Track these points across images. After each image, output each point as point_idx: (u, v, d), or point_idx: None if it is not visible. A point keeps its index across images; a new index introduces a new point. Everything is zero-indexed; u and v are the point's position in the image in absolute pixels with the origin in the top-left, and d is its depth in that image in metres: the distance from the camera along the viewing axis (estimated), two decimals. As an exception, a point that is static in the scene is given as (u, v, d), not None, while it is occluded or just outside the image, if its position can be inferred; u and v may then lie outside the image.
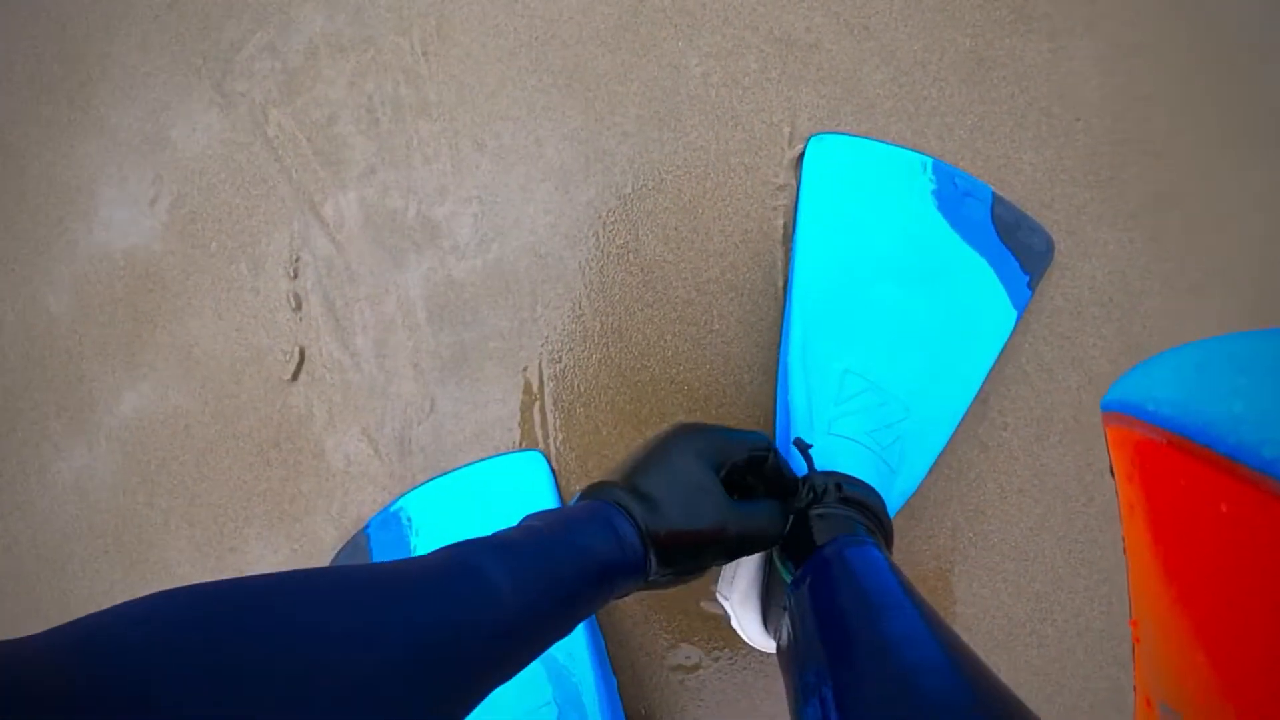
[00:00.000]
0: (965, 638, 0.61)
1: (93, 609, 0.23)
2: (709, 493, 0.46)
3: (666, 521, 0.44)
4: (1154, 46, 0.66)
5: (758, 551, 0.50)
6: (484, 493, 0.65)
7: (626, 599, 0.64)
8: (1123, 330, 0.65)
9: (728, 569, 0.60)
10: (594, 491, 0.46)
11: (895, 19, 0.64)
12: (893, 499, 0.58)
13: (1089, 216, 0.65)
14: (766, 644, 0.59)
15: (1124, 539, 0.30)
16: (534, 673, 0.62)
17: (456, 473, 0.66)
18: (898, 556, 0.66)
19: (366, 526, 0.65)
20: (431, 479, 0.65)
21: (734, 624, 0.61)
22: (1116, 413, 0.30)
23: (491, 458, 0.65)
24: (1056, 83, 0.65)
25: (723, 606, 0.61)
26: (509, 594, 0.35)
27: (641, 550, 0.43)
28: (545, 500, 0.64)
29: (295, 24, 0.66)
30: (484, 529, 0.59)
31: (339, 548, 0.65)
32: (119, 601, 0.25)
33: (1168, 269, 0.65)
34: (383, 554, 0.64)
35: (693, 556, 0.45)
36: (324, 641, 0.28)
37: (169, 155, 0.67)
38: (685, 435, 0.48)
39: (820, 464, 0.55)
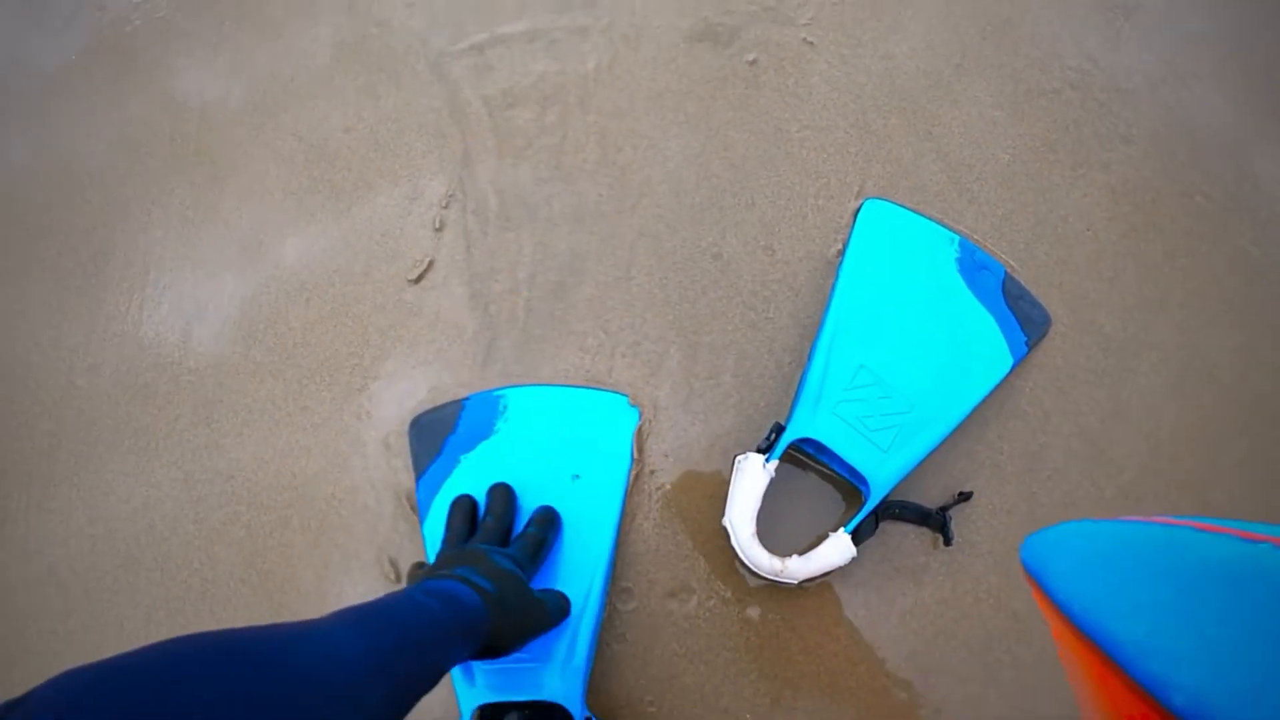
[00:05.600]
0: (942, 640, 0.86)
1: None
2: (530, 597, 0.76)
3: (507, 619, 0.69)
4: (1160, 190, 1.03)
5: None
6: (574, 415, 0.93)
7: (646, 525, 0.91)
8: (1113, 397, 0.95)
9: (730, 499, 0.86)
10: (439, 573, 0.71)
11: (953, 131, 1.04)
12: (885, 475, 0.86)
13: (1089, 303, 0.98)
14: (764, 562, 0.83)
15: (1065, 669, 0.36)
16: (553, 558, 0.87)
17: (558, 388, 0.94)
18: (889, 546, 0.91)
19: (467, 398, 0.93)
20: (535, 384, 0.95)
21: (734, 545, 0.86)
22: (1032, 580, 0.36)
23: (592, 389, 0.94)
24: (1075, 200, 1.02)
25: (728, 529, 0.86)
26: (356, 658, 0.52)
27: (486, 637, 0.66)
28: (622, 444, 0.92)
29: (503, 37, 1.10)
30: (561, 443, 0.89)
31: (425, 409, 0.94)
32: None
33: (1155, 357, 0.97)
34: (470, 424, 0.92)
35: (518, 639, 0.72)
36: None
37: (372, 107, 1.08)
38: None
39: (818, 436, 0.86)
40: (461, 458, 0.91)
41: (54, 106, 1.14)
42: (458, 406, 0.93)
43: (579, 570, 0.86)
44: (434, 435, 0.93)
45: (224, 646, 0.45)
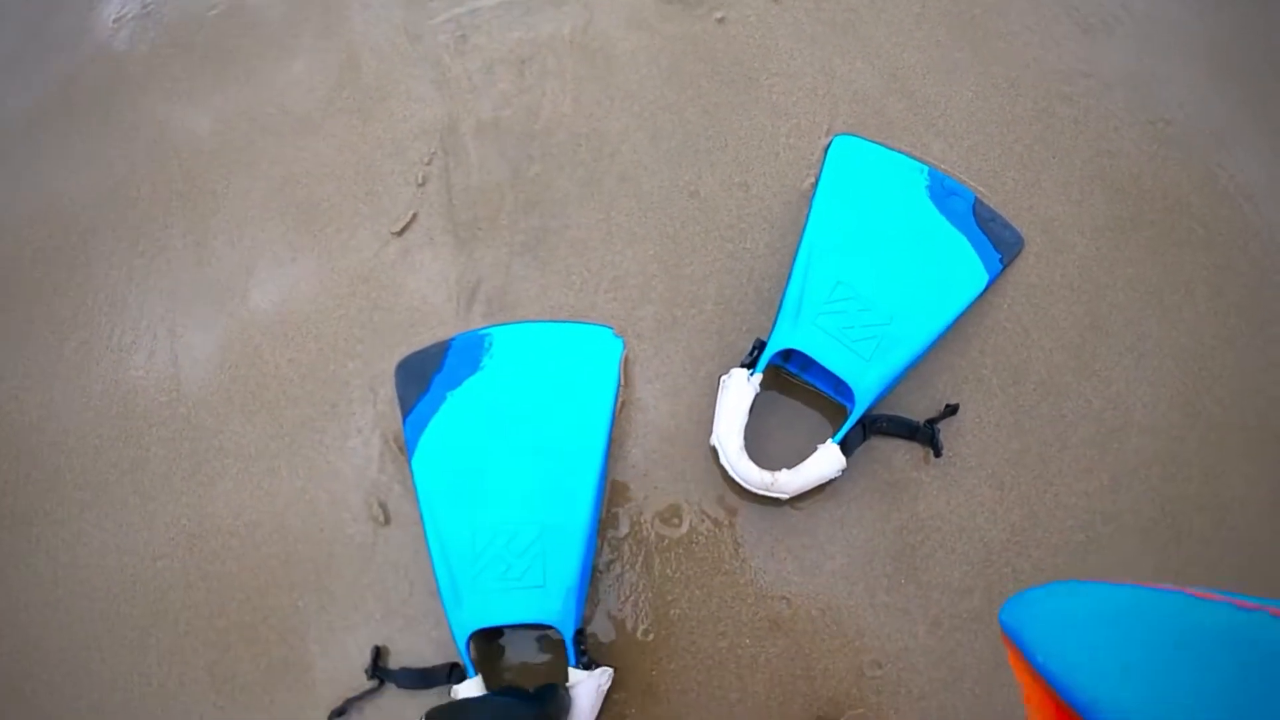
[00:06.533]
0: (940, 554, 0.87)
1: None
2: None
3: None
4: (1123, 119, 1.08)
5: None
6: (559, 348, 0.95)
7: (635, 452, 0.92)
8: (1090, 311, 0.97)
9: (717, 416, 0.88)
10: None
11: (917, 72, 1.09)
12: (869, 383, 0.87)
13: (1060, 224, 1.01)
14: (754, 476, 0.84)
15: None
16: (530, 492, 0.88)
17: (543, 323, 0.96)
18: (879, 464, 0.92)
19: (453, 338, 0.95)
20: (520, 322, 0.97)
21: (723, 462, 0.87)
22: (1010, 641, 0.35)
23: (576, 322, 0.97)
24: (1040, 130, 1.06)
25: (716, 447, 0.87)
26: None
27: None
28: (608, 373, 0.93)
29: (479, 9, 1.16)
30: (547, 375, 0.93)
31: (412, 350, 0.96)
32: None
33: (1130, 273, 1.00)
34: (456, 362, 0.94)
35: None
36: None
37: (354, 78, 1.13)
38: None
39: (800, 347, 0.88)
40: (448, 394, 0.93)
41: (31, 151, 1.17)
42: (443, 346, 0.95)
43: (569, 498, 0.87)
44: (421, 374, 0.94)
45: None
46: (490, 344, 0.95)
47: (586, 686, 0.80)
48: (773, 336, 0.89)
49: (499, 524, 0.87)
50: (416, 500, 0.89)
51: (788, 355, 0.91)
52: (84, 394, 1.01)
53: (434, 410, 0.92)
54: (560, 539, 0.85)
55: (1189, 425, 0.94)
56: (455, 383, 0.93)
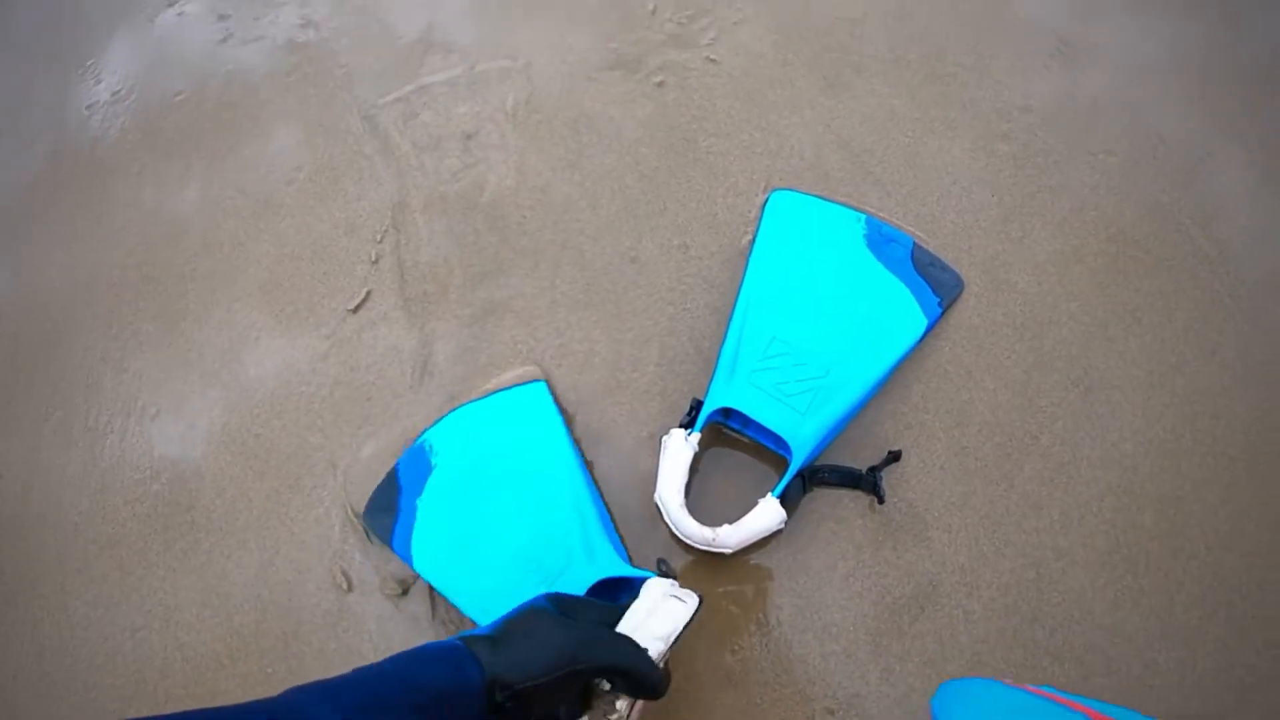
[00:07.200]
0: (889, 600, 0.88)
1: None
2: (551, 619, 0.66)
3: (509, 655, 0.61)
4: (1063, 153, 1.09)
5: (626, 690, 0.68)
6: (496, 420, 0.99)
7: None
8: (1034, 349, 0.98)
9: (659, 475, 0.90)
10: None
11: (854, 122, 1.12)
12: (805, 436, 0.89)
13: (1001, 263, 1.02)
14: (695, 532, 0.86)
15: None
16: (530, 542, 0.90)
17: (470, 405, 1.00)
18: (824, 513, 0.93)
19: (397, 464, 0.98)
20: (448, 412, 1.00)
21: (666, 519, 0.89)
22: None
23: (501, 390, 1.00)
24: (978, 171, 1.08)
25: (659, 506, 0.90)
26: None
27: (480, 684, 0.59)
28: (552, 424, 0.97)
29: (427, 86, 1.22)
30: (496, 452, 0.96)
31: (376, 486, 0.98)
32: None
33: (1074, 307, 1.00)
34: (409, 476, 0.97)
35: (543, 698, 0.62)
36: None
37: (310, 159, 1.20)
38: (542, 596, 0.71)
39: (736, 405, 0.90)
40: (418, 503, 0.96)
41: (7, 235, 1.25)
42: (392, 473, 0.99)
43: (567, 533, 0.89)
44: (386, 504, 0.97)
45: None
46: (431, 446, 0.99)
47: (656, 587, 0.77)
48: (708, 396, 0.92)
49: (502, 586, 0.88)
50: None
51: (728, 412, 0.94)
52: (62, 473, 1.06)
53: (411, 524, 0.95)
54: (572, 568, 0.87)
55: (1141, 455, 0.94)
56: (418, 491, 0.97)
